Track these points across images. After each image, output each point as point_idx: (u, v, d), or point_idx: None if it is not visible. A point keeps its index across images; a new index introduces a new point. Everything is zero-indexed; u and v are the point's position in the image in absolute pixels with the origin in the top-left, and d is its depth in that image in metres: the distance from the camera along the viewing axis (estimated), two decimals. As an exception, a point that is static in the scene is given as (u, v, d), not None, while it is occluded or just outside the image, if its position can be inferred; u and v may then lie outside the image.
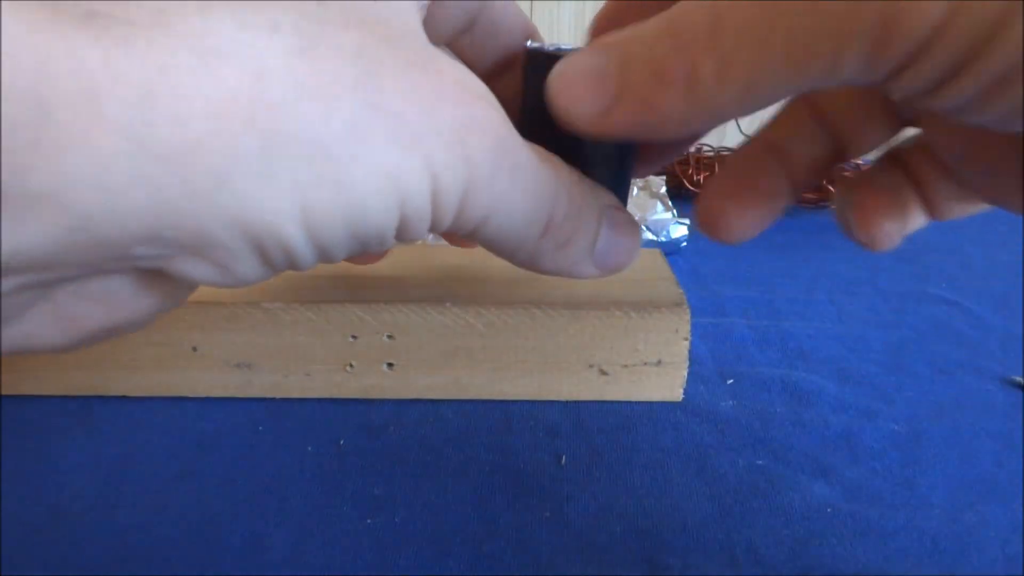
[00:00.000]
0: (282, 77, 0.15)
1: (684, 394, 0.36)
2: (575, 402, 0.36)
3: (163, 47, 0.14)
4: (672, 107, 0.18)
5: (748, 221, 0.25)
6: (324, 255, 0.17)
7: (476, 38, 0.26)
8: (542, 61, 0.24)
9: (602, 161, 0.26)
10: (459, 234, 0.20)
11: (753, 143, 0.25)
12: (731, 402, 0.37)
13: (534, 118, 0.25)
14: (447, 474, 0.32)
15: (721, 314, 0.44)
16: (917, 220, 0.24)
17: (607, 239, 0.25)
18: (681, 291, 0.36)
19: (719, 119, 0.18)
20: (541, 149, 0.22)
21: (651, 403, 0.36)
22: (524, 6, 0.65)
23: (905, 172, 0.24)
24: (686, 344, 0.35)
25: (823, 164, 0.25)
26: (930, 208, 0.24)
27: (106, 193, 0.14)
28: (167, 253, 0.16)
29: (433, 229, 0.19)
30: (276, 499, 0.30)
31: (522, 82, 0.26)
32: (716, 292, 0.47)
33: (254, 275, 0.17)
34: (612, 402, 0.36)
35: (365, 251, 0.18)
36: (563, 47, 0.26)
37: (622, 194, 0.28)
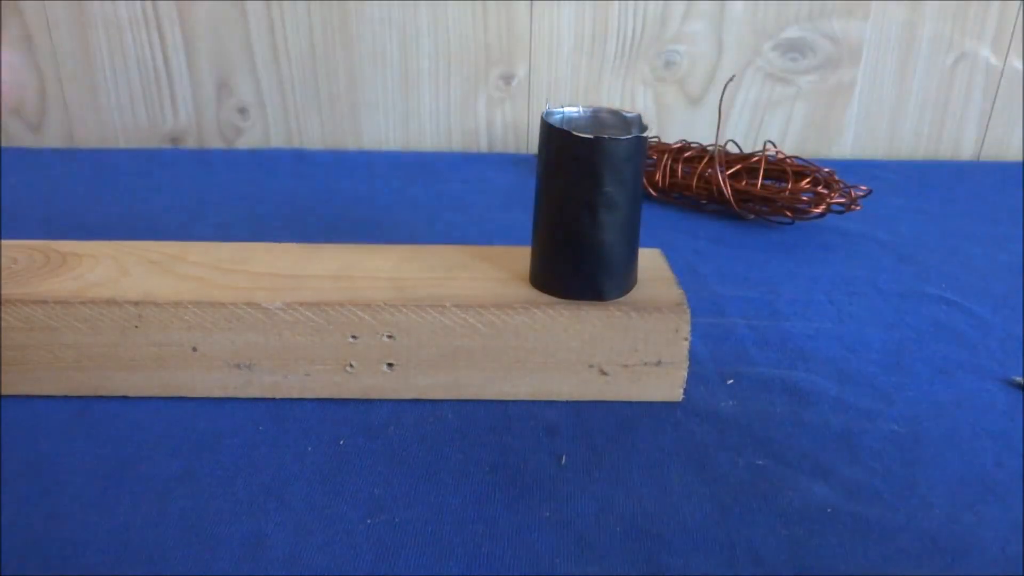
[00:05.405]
0: None
1: (684, 394, 0.36)
2: (575, 402, 0.36)
3: None
4: None
5: None
6: None
7: None
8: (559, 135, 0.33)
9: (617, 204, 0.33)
10: None
11: None
12: (731, 402, 0.37)
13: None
14: (447, 474, 0.32)
15: (721, 314, 0.44)
16: None
17: None
18: (681, 291, 0.36)
19: None
20: None
21: (651, 403, 0.36)
22: (524, 6, 0.64)
23: None
24: (686, 344, 0.35)
25: None
26: None
27: None
28: None
29: None
30: (276, 499, 0.30)
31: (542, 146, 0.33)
32: (716, 292, 0.47)
33: None
34: (612, 402, 0.36)
35: None
36: (570, 111, 0.34)
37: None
